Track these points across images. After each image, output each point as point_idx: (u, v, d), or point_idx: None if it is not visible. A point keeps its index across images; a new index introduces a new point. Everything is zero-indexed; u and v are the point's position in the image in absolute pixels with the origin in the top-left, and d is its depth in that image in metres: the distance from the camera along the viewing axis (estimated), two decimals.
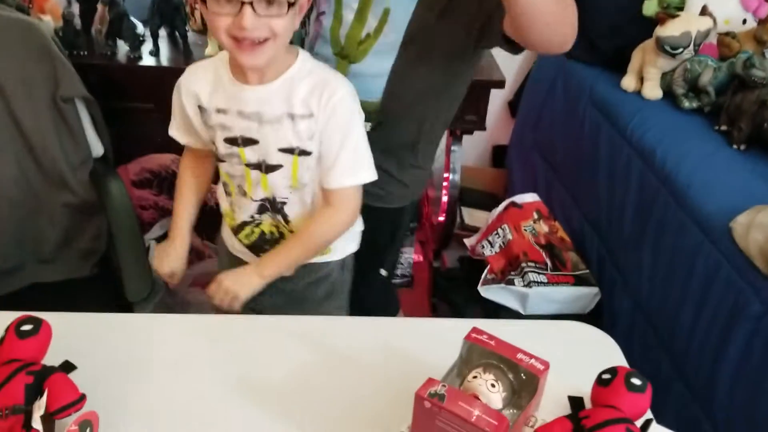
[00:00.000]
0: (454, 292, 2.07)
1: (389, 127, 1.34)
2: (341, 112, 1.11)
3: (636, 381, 0.84)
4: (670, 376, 1.60)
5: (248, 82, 1.11)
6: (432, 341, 1.04)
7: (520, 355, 0.85)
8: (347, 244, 1.32)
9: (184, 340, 1.06)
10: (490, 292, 1.91)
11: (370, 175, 1.18)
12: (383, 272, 1.60)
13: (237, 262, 1.29)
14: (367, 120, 1.22)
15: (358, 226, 1.32)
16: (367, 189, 1.20)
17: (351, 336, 1.08)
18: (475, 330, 0.87)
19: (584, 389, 0.90)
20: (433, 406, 0.77)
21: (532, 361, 0.85)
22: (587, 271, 1.94)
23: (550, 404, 0.89)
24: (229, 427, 0.92)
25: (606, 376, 0.85)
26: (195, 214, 1.30)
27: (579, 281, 1.90)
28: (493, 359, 0.86)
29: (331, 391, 0.97)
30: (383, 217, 1.44)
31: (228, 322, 1.13)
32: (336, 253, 1.31)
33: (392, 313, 1.73)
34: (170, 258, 1.26)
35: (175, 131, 1.26)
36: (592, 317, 1.87)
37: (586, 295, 1.88)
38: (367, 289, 1.49)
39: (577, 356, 1.03)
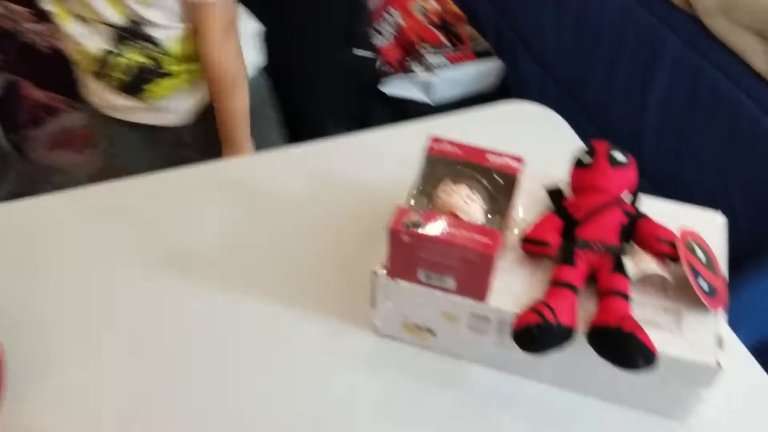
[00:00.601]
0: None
1: None
2: None
3: (619, 156, 0.75)
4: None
5: None
6: (370, 159, 0.90)
7: (490, 156, 0.73)
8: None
9: (80, 219, 0.86)
10: (391, 86, 1.75)
11: None
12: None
13: (109, 123, 1.07)
14: None
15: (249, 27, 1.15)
16: None
17: (278, 172, 0.92)
18: (434, 140, 0.74)
19: (552, 174, 0.81)
20: (412, 238, 0.65)
21: (505, 159, 0.73)
22: (486, 43, 1.81)
23: (524, 200, 0.79)
24: (164, 306, 0.76)
25: (586, 159, 0.76)
26: None
27: (480, 55, 1.77)
28: (460, 166, 0.74)
29: (272, 242, 0.83)
30: None
31: (122, 188, 0.93)
32: None
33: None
34: None
35: None
36: (501, 93, 1.78)
37: (491, 70, 1.77)
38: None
39: (529, 140, 0.91)
